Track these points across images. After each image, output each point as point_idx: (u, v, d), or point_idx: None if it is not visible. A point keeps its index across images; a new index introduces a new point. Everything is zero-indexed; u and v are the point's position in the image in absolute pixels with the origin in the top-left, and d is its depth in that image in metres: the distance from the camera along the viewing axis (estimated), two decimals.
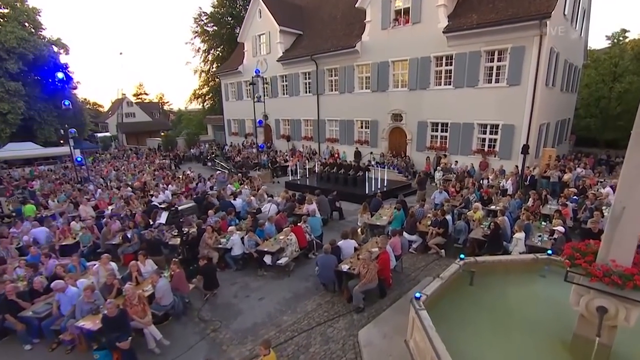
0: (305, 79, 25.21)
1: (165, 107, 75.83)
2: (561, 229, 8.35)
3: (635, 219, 3.80)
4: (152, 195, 14.58)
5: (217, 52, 42.72)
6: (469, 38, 16.34)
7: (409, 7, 18.34)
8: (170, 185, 16.28)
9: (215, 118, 40.30)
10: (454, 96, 17.54)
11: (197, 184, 16.49)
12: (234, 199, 12.96)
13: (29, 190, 18.23)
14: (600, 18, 65.16)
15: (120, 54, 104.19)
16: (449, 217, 9.98)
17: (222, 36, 41.20)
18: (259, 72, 21.88)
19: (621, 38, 26.11)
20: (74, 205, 13.81)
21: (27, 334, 6.46)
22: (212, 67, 42.35)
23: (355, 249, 8.42)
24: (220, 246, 9.30)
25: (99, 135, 52.09)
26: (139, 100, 69.09)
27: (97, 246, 10.37)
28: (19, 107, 29.43)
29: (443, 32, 16.83)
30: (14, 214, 13.58)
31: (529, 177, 14.76)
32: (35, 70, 30.46)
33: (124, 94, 60.52)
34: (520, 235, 8.47)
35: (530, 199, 11.59)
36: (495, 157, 16.81)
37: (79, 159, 19.39)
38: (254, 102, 22.40)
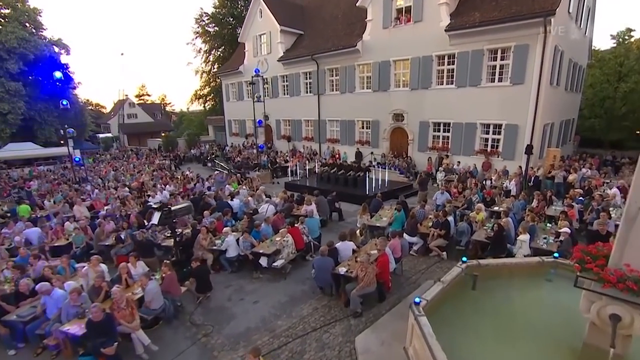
0: (306, 79, 24.98)
1: (168, 108, 75.85)
2: (567, 230, 8.04)
3: None
4: (148, 196, 14.36)
5: (219, 53, 42.64)
6: (472, 36, 16.06)
7: (410, 6, 18.08)
8: (167, 186, 16.06)
9: (216, 119, 40.17)
10: (456, 96, 17.26)
11: (195, 185, 16.26)
12: (231, 200, 12.71)
13: (26, 190, 18.06)
14: (605, 18, 64.69)
15: (122, 54, 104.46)
16: (450, 218, 9.68)
17: (223, 37, 41.12)
18: (259, 71, 21.69)
19: (626, 37, 25.73)
20: (70, 206, 13.60)
21: (11, 339, 6.22)
22: (213, 68, 42.26)
23: (354, 251, 8.14)
24: (215, 248, 9.04)
25: (101, 136, 52.17)
26: (142, 102, 69.13)
27: (90, 247, 10.15)
28: (19, 107, 29.40)
29: (445, 30, 16.56)
30: (8, 214, 13.38)
31: (533, 178, 14.44)
32: (36, 70, 30.39)
33: (127, 95, 60.70)
34: (524, 237, 8.16)
35: (534, 200, 11.28)
36: (498, 157, 16.50)
37: (77, 159, 19.21)
38: (253, 102, 22.18)
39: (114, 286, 6.22)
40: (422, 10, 17.59)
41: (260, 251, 8.57)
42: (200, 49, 43.06)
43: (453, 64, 17.17)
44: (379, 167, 17.79)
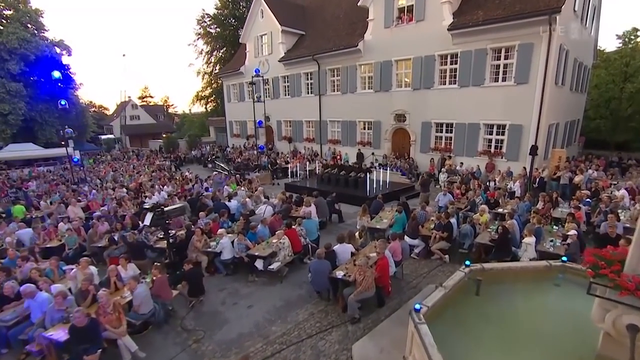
0: (307, 79, 24.75)
1: (170, 110, 75.94)
2: (575, 232, 7.72)
3: None
4: (145, 197, 14.13)
5: (220, 54, 42.53)
6: (475, 35, 15.76)
7: (412, 5, 17.81)
8: (165, 187, 15.84)
9: (217, 120, 40.02)
10: (459, 96, 16.95)
11: (193, 185, 16.03)
12: (229, 201, 12.46)
13: (23, 191, 17.89)
14: (610, 17, 63.94)
15: (124, 55, 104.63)
16: (453, 220, 9.36)
17: (225, 38, 41.02)
18: (259, 71, 21.48)
19: (632, 37, 25.30)
20: (65, 207, 13.39)
21: None
22: (215, 69, 42.17)
23: (352, 254, 7.85)
24: (209, 250, 8.78)
25: (103, 137, 52.22)
26: (144, 103, 69.34)
27: (83, 249, 9.92)
28: (20, 107, 29.40)
29: (448, 29, 16.28)
30: (3, 215, 13.19)
31: (537, 179, 14.10)
32: (37, 71, 30.40)
33: (129, 97, 60.72)
34: (530, 239, 7.85)
35: (540, 202, 10.95)
36: (502, 158, 16.16)
37: (75, 160, 19.05)
38: (253, 102, 21.97)
39: (101, 289, 5.95)
40: (425, 9, 17.32)
41: (256, 253, 8.29)
42: (202, 50, 43.09)
43: (456, 63, 16.87)
44: (380, 168, 17.49)
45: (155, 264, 7.01)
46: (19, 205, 13.14)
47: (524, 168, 14.70)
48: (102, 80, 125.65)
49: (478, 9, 15.97)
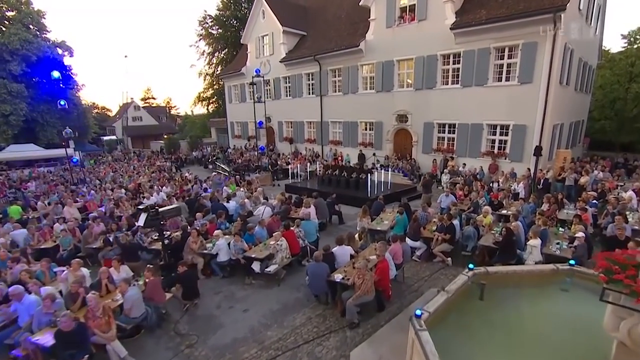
0: (309, 80, 24.58)
1: (173, 112, 76.03)
2: (582, 235, 7.45)
3: None
4: (143, 197, 13.95)
5: (222, 55, 42.46)
6: (478, 34, 15.52)
7: (414, 4, 17.59)
8: (164, 187, 15.67)
9: (218, 121, 39.90)
10: (461, 96, 16.70)
11: (192, 186, 15.85)
12: (227, 202, 12.26)
13: (21, 191, 17.78)
14: (615, 18, 63.20)
15: (125, 56, 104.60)
16: (456, 222, 9.11)
17: (226, 39, 40.94)
18: (259, 71, 21.31)
19: (638, 37, 24.98)
20: (62, 207, 13.23)
21: None
22: (217, 70, 42.08)
23: (352, 257, 7.62)
24: (205, 251, 8.57)
25: (105, 138, 52.26)
26: (147, 105, 69.44)
27: (78, 250, 9.73)
28: (21, 108, 29.36)
29: (450, 28, 16.04)
30: (0, 216, 13.03)
31: (542, 180, 13.82)
32: (39, 72, 30.39)
33: (132, 98, 60.84)
34: (535, 242, 7.59)
35: (544, 203, 10.67)
36: (505, 159, 15.88)
37: (75, 160, 18.93)
38: (253, 102, 21.80)
39: (90, 292, 5.74)
40: (427, 9, 17.10)
41: (253, 255, 8.07)
42: (204, 51, 43.03)
43: (458, 63, 16.63)
44: (382, 169, 17.25)
45: (148, 266, 6.80)
46: (15, 206, 12.99)
47: (528, 169, 14.43)
48: (105, 81, 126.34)
49: (481, 7, 15.74)
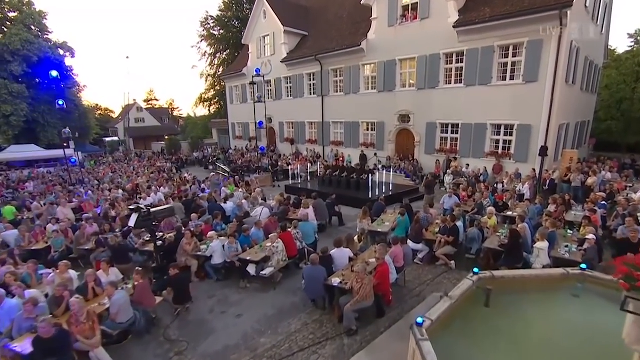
0: (310, 80, 24.34)
1: (175, 113, 76.08)
2: (592, 237, 7.11)
3: None
4: (140, 198, 13.70)
5: (224, 56, 42.36)
6: (482, 32, 15.20)
7: (417, 2, 17.31)
8: (162, 188, 15.42)
9: (220, 122, 39.76)
10: (465, 95, 16.36)
11: (190, 187, 15.60)
12: (225, 202, 11.97)
13: (18, 191, 17.60)
14: (621, 17, 62.49)
15: (127, 57, 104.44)
16: (460, 223, 8.78)
17: (228, 40, 40.84)
18: (259, 71, 21.08)
19: None
20: (58, 207, 12.99)
21: None
22: (218, 71, 41.97)
23: (351, 259, 7.31)
24: (199, 254, 8.28)
25: (107, 139, 52.27)
26: (150, 106, 69.54)
27: (70, 251, 9.47)
28: (22, 109, 29.27)
29: (453, 26, 15.73)
30: None
31: (548, 181, 13.46)
32: (40, 72, 30.32)
33: (135, 100, 60.87)
34: (542, 244, 7.24)
35: (551, 205, 10.31)
36: (510, 159, 15.51)
37: (73, 160, 18.74)
38: (254, 102, 21.58)
39: (73, 296, 5.46)
40: (429, 7, 16.81)
41: (248, 258, 7.78)
42: (206, 52, 42.94)
43: (462, 62, 16.31)
44: (383, 170, 16.93)
45: (137, 268, 6.52)
46: (9, 206, 12.76)
47: (533, 170, 14.07)
48: (109, 83, 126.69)
49: (485, 5, 15.43)
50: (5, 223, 10.56)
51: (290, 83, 25.90)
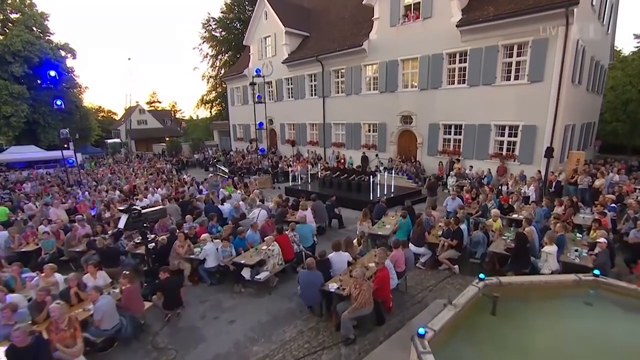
0: (311, 81, 24.10)
1: (178, 115, 76.14)
2: (604, 240, 6.75)
3: None
4: (136, 199, 13.44)
5: (225, 58, 42.25)
6: (485, 32, 14.91)
7: (419, 2, 17.04)
8: (160, 189, 15.17)
9: (221, 124, 39.60)
10: (468, 95, 16.05)
11: (188, 188, 15.33)
12: (222, 204, 11.69)
13: (15, 192, 17.40)
14: (627, 17, 61.93)
15: (129, 59, 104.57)
16: (463, 226, 8.42)
17: (230, 42, 40.73)
18: (260, 71, 20.84)
19: None
20: None
21: None
22: (220, 73, 41.85)
23: (350, 263, 6.98)
24: (193, 256, 7.98)
25: (109, 141, 52.31)
26: (152, 108, 69.61)
27: (61, 253, 9.21)
28: (22, 110, 29.20)
29: (456, 26, 15.44)
30: None
31: (554, 183, 13.09)
32: (41, 73, 30.25)
33: (137, 102, 60.91)
34: (551, 249, 6.90)
35: (558, 207, 9.96)
36: (514, 161, 15.16)
37: (70, 161, 18.54)
38: (254, 103, 21.35)
39: (54, 302, 5.16)
40: (432, 6, 16.54)
41: (242, 261, 7.47)
42: (207, 54, 42.84)
43: (465, 61, 16.00)
44: (385, 171, 16.60)
45: (124, 272, 6.21)
46: (2, 207, 12.51)
47: (539, 171, 13.73)
48: (112, 86, 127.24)
49: (488, 4, 15.15)
50: None
51: (291, 84, 25.67)
